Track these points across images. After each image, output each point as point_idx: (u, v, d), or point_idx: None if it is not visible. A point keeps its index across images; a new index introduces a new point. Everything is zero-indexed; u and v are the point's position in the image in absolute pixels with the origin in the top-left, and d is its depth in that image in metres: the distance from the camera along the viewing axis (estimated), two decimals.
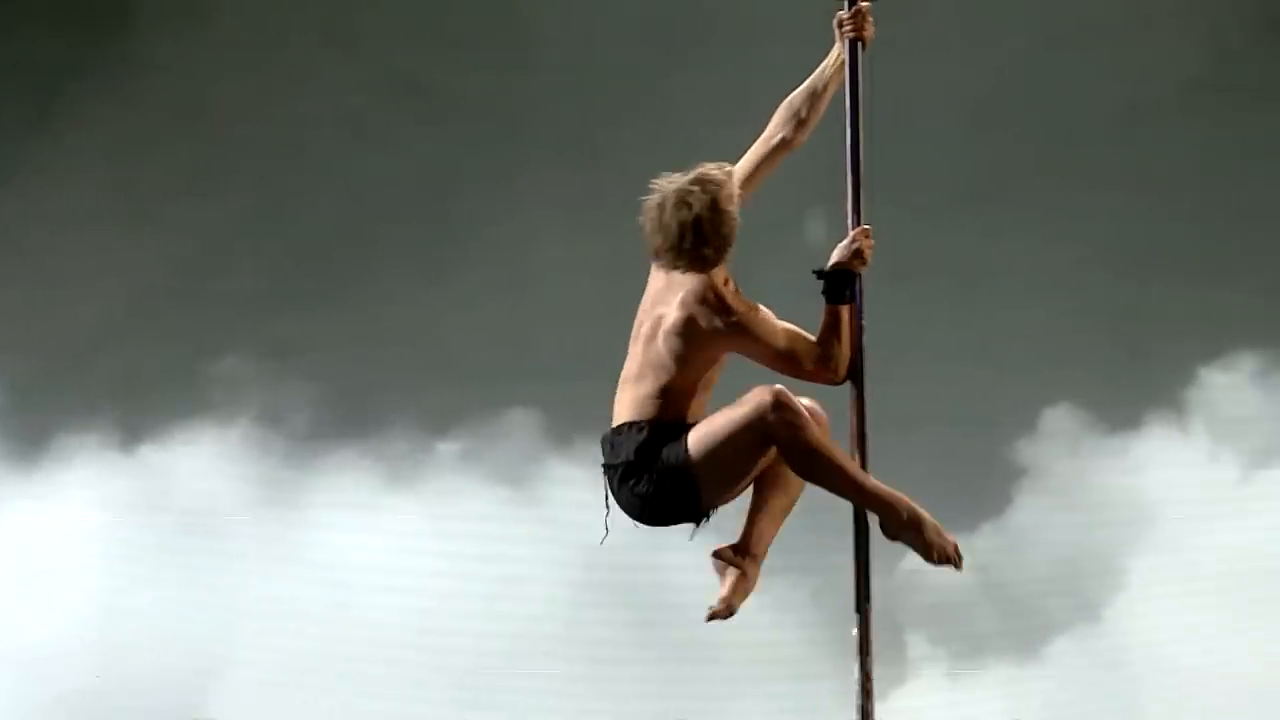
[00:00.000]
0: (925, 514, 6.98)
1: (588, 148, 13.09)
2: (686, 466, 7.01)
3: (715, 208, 7.15)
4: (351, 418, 13.12)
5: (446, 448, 13.03)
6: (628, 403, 7.26)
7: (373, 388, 13.04)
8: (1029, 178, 12.71)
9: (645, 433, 7.10)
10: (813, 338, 7.01)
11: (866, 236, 7.04)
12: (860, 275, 6.98)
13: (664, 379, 7.14)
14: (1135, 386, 12.48)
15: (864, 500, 6.97)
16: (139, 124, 13.36)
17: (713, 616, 7.45)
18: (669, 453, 7.05)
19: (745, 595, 7.36)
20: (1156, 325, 12.51)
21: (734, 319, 6.98)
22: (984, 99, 12.63)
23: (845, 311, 6.97)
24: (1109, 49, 12.85)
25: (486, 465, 12.98)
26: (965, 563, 7.09)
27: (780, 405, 6.80)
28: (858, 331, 7.08)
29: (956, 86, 12.85)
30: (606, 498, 7.31)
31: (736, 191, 7.24)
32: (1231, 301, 12.50)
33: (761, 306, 7.08)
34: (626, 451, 7.14)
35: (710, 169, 7.27)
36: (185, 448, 13.28)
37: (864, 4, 7.26)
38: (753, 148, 7.52)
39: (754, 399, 6.88)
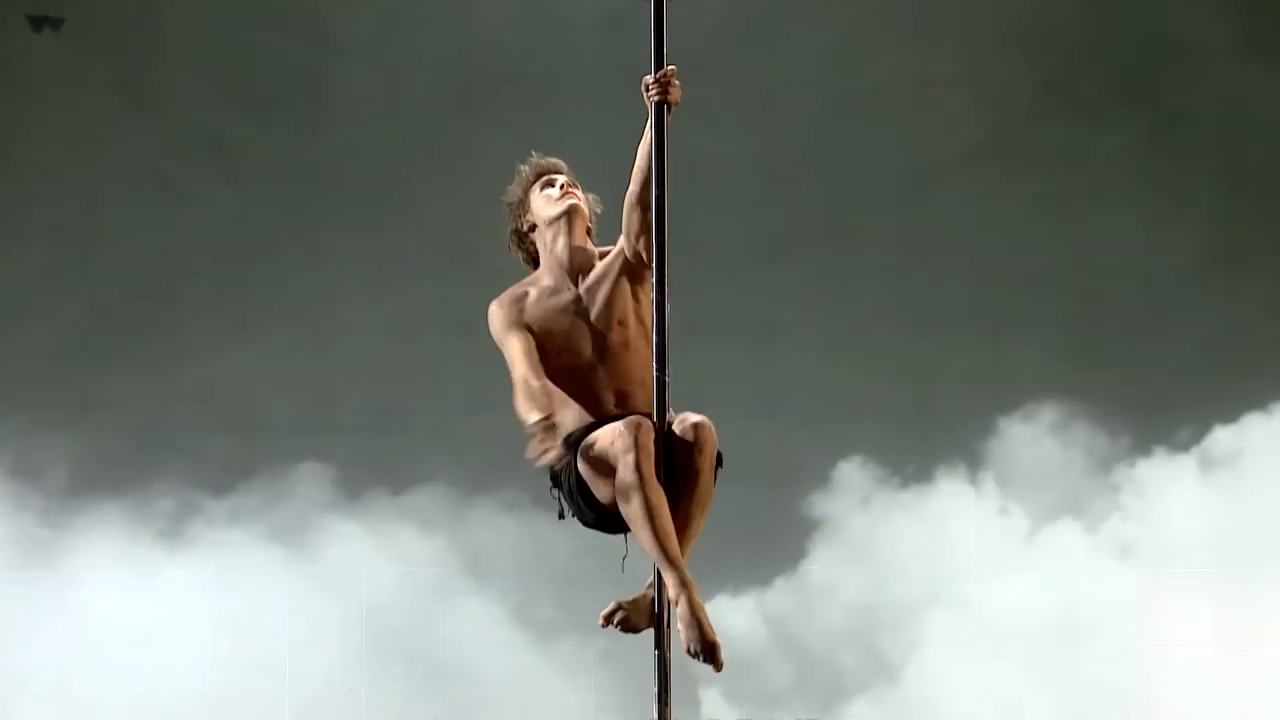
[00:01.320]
0: (699, 605, 6.67)
1: (388, 206, 12.94)
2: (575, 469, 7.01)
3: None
4: (128, 475, 12.67)
5: (236, 502, 12.65)
6: None
7: (158, 444, 12.66)
8: (820, 239, 12.68)
9: None
10: (536, 383, 7.12)
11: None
12: None
13: None
14: (927, 441, 12.44)
15: (655, 558, 6.75)
16: None
17: (606, 621, 7.15)
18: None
19: (695, 621, 6.73)
20: (944, 381, 12.47)
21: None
22: (777, 162, 12.62)
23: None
24: (897, 115, 12.82)
25: (268, 522, 12.62)
26: (724, 659, 6.74)
27: (623, 433, 6.72)
28: (661, 386, 6.90)
29: (750, 150, 12.73)
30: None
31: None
32: (1022, 357, 12.52)
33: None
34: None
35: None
36: None
37: (671, 67, 7.05)
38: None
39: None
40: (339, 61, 13.01)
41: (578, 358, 7.25)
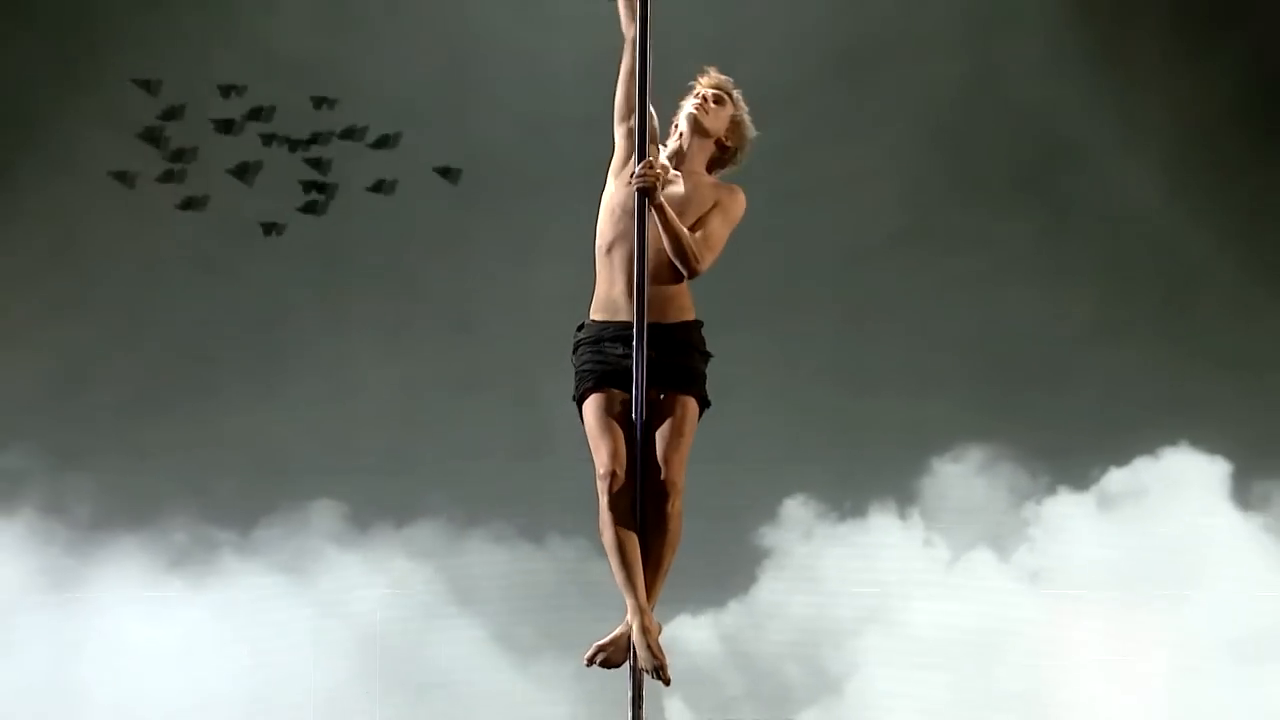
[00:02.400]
0: (650, 628, 6.66)
1: (398, 281, 12.74)
2: None
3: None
4: (163, 512, 12.40)
5: (259, 535, 12.35)
6: None
7: (193, 485, 12.41)
8: (768, 309, 12.52)
9: None
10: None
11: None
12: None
13: None
14: (860, 481, 12.25)
15: (619, 583, 6.71)
16: (12, 261, 12.75)
17: (589, 662, 6.91)
18: None
19: (645, 643, 6.67)
20: (874, 430, 12.30)
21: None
22: (731, 243, 12.05)
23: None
24: (833, 204, 12.68)
25: (285, 551, 12.34)
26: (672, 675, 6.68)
27: (600, 478, 6.68)
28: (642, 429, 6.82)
29: None
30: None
31: None
32: (941, 409, 12.33)
33: None
34: None
35: None
36: None
37: (656, 162, 6.82)
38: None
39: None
40: (355, 159, 12.80)
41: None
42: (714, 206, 6.96)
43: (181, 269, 12.68)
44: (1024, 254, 12.56)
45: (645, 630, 6.56)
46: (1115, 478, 12.15)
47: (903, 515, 12.17)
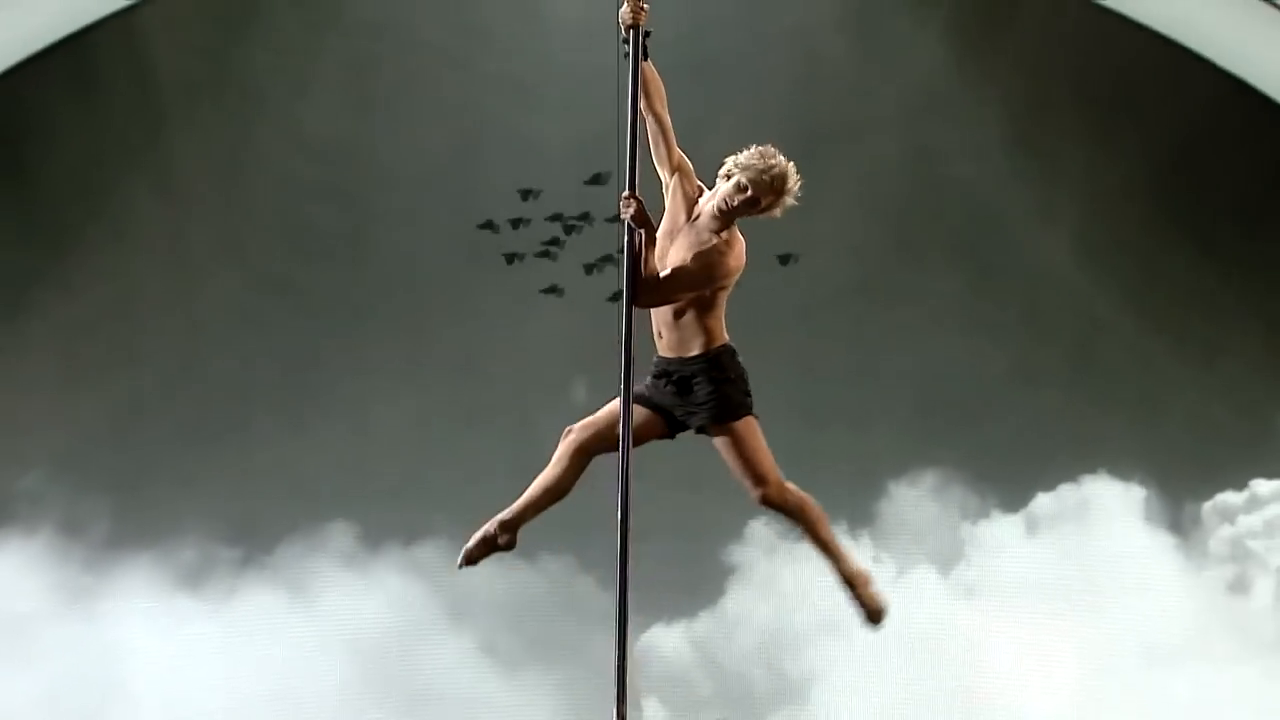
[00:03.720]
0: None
1: (411, 330, 12.40)
2: None
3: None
4: (196, 532, 11.92)
5: (282, 551, 11.87)
6: None
7: (227, 511, 11.95)
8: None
9: None
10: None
11: (629, 4, 6.03)
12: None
13: None
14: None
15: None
16: (82, 316, 12.37)
17: None
18: None
19: None
20: (825, 460, 11.77)
21: None
22: None
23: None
24: (789, 267, 12.24)
25: (301, 569, 11.87)
26: None
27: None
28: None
29: None
30: None
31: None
32: (882, 441, 11.99)
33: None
34: None
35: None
36: None
37: (630, 195, 6.02)
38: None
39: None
40: (375, 224, 12.49)
41: None
42: (698, 253, 6.04)
43: (220, 318, 12.37)
44: (954, 307, 12.32)
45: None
46: (1042, 502, 11.80)
47: (854, 535, 11.74)
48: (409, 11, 12.37)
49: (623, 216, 6.00)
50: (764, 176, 5.98)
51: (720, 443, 6.13)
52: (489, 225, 12.31)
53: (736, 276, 6.11)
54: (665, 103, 6.17)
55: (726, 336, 6.20)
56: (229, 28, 12.36)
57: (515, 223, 12.26)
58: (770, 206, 6.05)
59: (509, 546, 6.36)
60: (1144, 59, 12.27)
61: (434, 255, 12.43)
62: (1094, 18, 12.25)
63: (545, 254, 12.15)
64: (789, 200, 6.11)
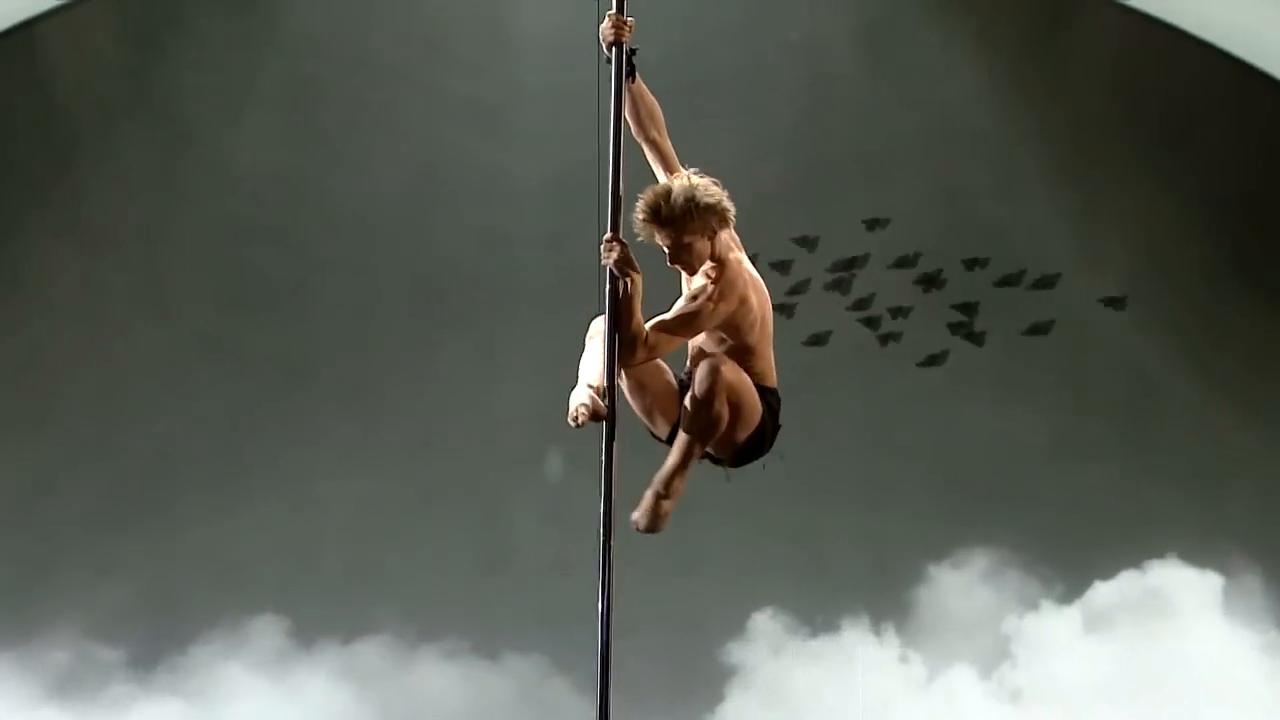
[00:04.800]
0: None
1: (361, 396, 12.13)
2: None
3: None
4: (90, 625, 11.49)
5: (198, 650, 11.42)
6: None
7: (153, 600, 11.57)
8: None
9: None
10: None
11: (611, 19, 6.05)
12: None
13: None
14: (831, 594, 11.54)
15: None
16: None
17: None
18: None
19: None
20: (841, 543, 11.62)
21: None
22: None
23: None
24: (794, 320, 11.87)
25: (210, 673, 11.40)
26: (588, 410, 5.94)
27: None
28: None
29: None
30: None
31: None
32: (902, 524, 11.62)
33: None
34: None
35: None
36: None
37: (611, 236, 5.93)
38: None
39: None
40: (319, 273, 12.20)
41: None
42: (687, 298, 5.98)
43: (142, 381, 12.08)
44: (986, 367, 12.03)
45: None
46: (1101, 592, 11.39)
47: (877, 630, 11.37)
48: (359, 26, 12.22)
49: (604, 262, 5.92)
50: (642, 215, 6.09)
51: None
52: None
53: (753, 313, 6.00)
54: (664, 128, 6.20)
55: (774, 379, 6.15)
56: (148, 44, 12.18)
57: (476, 272, 12.05)
58: (683, 229, 6.04)
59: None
60: (1205, 79, 12.14)
61: (387, 309, 12.22)
62: (1147, 32, 12.08)
63: (515, 311, 11.96)
64: (701, 210, 6.04)
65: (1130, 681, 11.09)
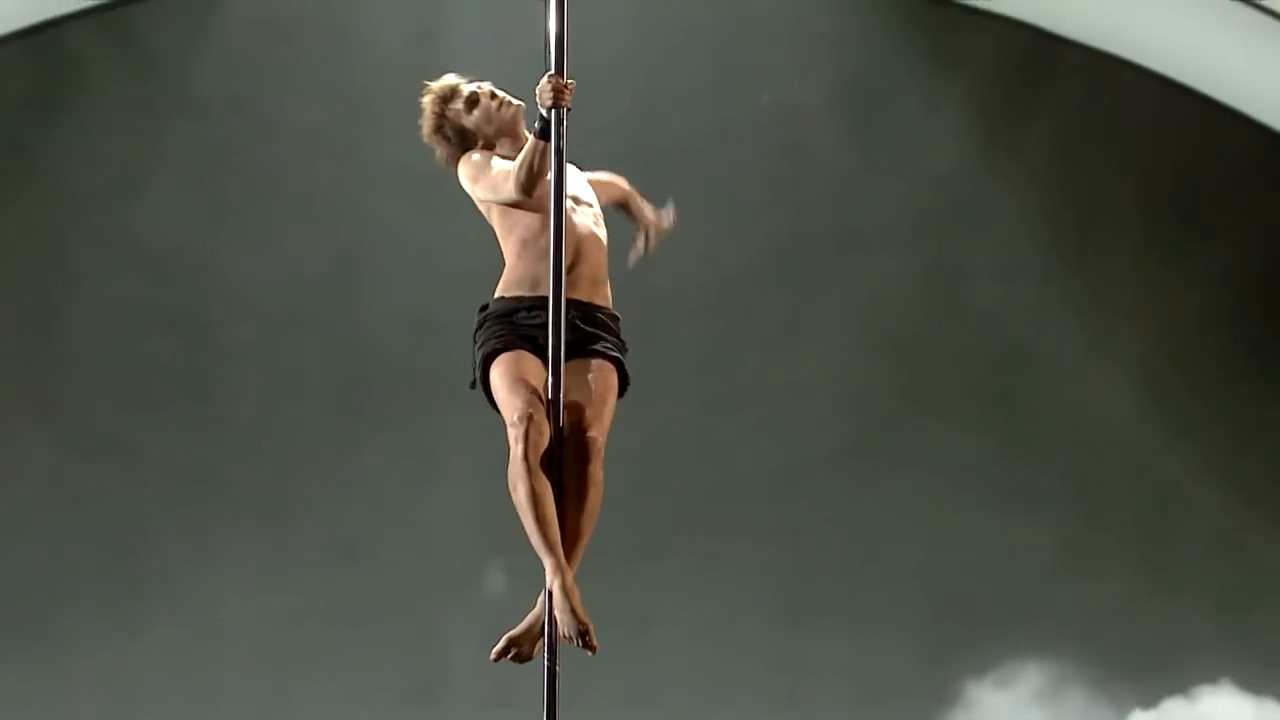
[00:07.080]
0: (572, 588, 6.23)
1: (274, 504, 12.16)
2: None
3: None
4: None
5: None
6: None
7: None
8: (694, 533, 12.02)
9: None
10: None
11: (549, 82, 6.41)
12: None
13: None
14: None
15: (534, 544, 6.32)
16: None
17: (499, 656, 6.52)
18: None
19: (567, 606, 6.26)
20: (815, 672, 11.70)
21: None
22: (651, 461, 11.94)
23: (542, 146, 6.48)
24: (765, 415, 12.16)
25: None
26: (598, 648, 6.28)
27: (516, 423, 6.34)
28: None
29: (625, 449, 11.91)
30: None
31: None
32: (884, 649, 11.69)
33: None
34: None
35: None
36: None
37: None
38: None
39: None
40: (228, 365, 12.26)
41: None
42: None
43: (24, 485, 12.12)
44: (981, 472, 12.15)
45: (567, 591, 6.20)
46: None
47: None
48: (274, 86, 12.30)
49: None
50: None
51: (599, 373, 6.59)
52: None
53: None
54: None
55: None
56: (34, 106, 12.21)
57: (403, 365, 12.07)
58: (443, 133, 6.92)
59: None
60: (1225, 147, 12.26)
61: (305, 405, 12.25)
62: (1158, 93, 12.28)
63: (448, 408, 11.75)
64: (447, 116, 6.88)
65: None
